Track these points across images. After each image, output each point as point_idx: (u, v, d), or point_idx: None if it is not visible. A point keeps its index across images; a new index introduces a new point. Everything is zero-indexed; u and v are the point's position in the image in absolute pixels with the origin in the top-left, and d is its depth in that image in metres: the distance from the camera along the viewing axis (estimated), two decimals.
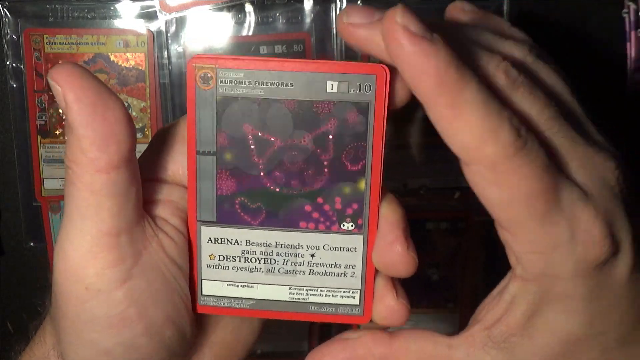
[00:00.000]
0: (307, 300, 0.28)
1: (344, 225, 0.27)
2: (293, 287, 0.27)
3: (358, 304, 0.28)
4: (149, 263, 0.25)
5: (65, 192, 0.24)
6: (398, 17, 0.21)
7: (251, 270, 0.27)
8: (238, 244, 0.27)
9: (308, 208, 0.26)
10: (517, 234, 0.23)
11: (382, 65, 0.24)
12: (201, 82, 0.24)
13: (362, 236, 0.27)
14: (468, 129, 0.21)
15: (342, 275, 0.27)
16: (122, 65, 0.49)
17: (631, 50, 0.49)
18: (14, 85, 0.48)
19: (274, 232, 0.27)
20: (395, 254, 0.26)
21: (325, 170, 0.26)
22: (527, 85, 0.22)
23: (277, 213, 0.26)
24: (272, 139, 0.25)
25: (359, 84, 0.25)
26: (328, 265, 0.27)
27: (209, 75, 0.24)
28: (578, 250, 0.22)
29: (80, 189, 0.24)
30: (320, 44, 0.48)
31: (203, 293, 0.28)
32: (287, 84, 0.24)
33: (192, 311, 0.28)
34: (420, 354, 0.26)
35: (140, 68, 0.49)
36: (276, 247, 0.27)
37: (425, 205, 0.50)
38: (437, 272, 0.53)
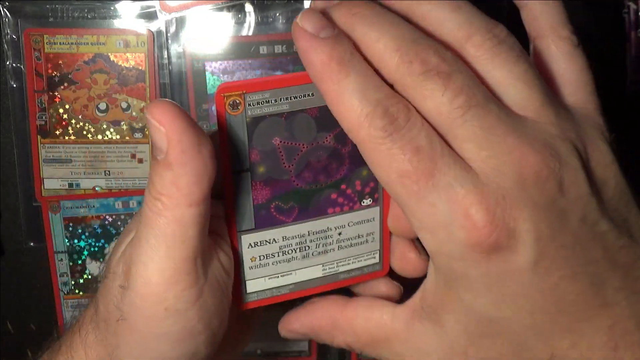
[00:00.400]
0: (337, 272, 0.30)
1: (363, 202, 0.29)
2: (325, 263, 0.30)
3: (378, 261, 0.31)
4: (213, 279, 0.27)
5: (148, 221, 0.25)
6: (298, 19, 0.24)
7: (289, 260, 0.29)
8: (275, 242, 0.29)
9: (334, 196, 0.28)
10: (405, 212, 0.24)
11: None
12: (231, 109, 0.25)
13: (378, 207, 0.29)
14: (347, 113, 0.24)
15: (364, 242, 0.30)
16: (122, 65, 0.49)
17: (631, 50, 0.49)
18: (14, 85, 0.48)
19: (306, 224, 0.29)
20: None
21: (346, 160, 0.28)
22: (443, 73, 0.23)
23: (308, 207, 0.28)
24: (299, 145, 0.27)
25: None
26: (353, 238, 0.30)
27: (237, 101, 0.25)
28: (460, 233, 0.23)
29: (169, 221, 0.25)
30: None
31: (248, 292, 0.30)
32: (308, 95, 0.26)
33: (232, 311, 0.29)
34: (367, 321, 0.28)
35: (140, 68, 0.49)
36: (309, 235, 0.29)
37: None
38: None
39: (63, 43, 0.48)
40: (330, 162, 0.28)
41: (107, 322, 0.27)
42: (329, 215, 0.29)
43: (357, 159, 0.28)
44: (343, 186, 0.28)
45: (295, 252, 0.29)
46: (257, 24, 0.48)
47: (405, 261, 0.30)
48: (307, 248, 0.29)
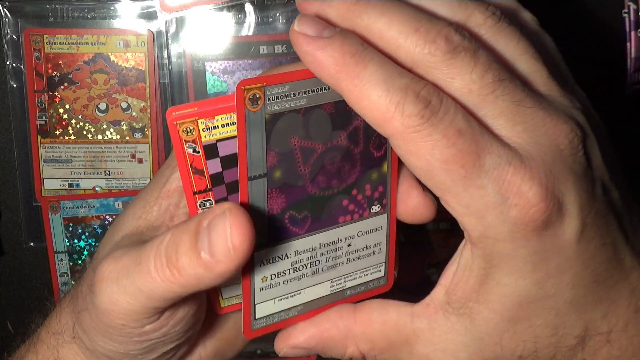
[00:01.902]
0: (344, 287, 0.29)
1: (372, 208, 0.28)
2: (334, 279, 0.28)
3: (383, 275, 0.29)
4: (180, 311, 0.27)
5: (143, 266, 0.25)
6: (295, 25, 0.23)
7: (299, 278, 0.27)
8: (287, 257, 0.27)
9: (345, 202, 0.27)
10: (448, 200, 0.23)
11: None
12: (250, 104, 0.24)
13: (386, 214, 0.28)
14: (373, 106, 0.22)
15: (371, 254, 0.28)
16: (122, 65, 0.49)
17: (631, 50, 0.49)
18: (14, 85, 0.48)
19: (318, 235, 0.27)
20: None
21: (358, 162, 0.26)
22: (469, 50, 0.23)
23: (320, 216, 0.27)
24: (315, 146, 0.25)
25: None
26: (361, 250, 0.28)
27: (257, 95, 0.24)
28: (512, 212, 0.22)
29: (158, 286, 0.24)
30: None
31: (256, 317, 0.28)
32: (324, 88, 0.24)
33: (202, 315, 0.29)
34: (384, 325, 0.26)
35: (140, 68, 0.49)
36: (320, 248, 0.27)
37: None
38: (437, 272, 0.53)
39: (63, 43, 0.48)
40: (343, 164, 0.26)
41: (78, 299, 0.28)
42: (339, 225, 0.27)
43: (368, 160, 0.26)
44: (354, 191, 0.27)
45: (306, 267, 0.27)
46: (257, 24, 0.48)
47: (417, 206, 0.28)
48: (317, 263, 0.27)
